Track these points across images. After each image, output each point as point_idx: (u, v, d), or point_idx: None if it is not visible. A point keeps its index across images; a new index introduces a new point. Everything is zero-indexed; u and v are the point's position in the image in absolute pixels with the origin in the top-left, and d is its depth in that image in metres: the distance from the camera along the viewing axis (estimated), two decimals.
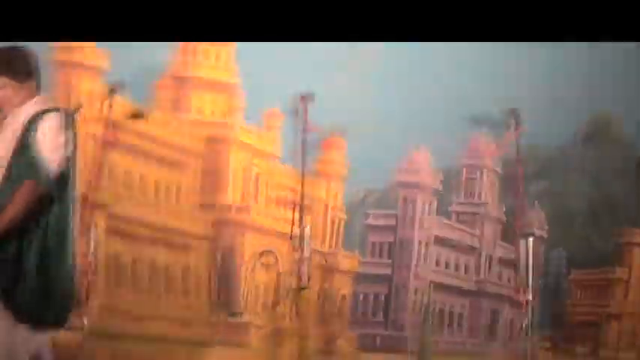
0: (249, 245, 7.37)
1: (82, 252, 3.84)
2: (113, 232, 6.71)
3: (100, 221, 6.44)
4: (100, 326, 6.47)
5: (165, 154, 7.19)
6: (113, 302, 6.88)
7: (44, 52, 6.69)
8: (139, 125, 6.99)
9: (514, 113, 4.31)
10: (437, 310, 7.88)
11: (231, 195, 7.42)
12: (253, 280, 7.37)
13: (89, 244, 3.91)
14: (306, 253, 4.47)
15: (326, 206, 7.58)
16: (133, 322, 6.88)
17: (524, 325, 4.21)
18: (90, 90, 6.79)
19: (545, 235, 7.92)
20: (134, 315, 6.90)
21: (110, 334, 6.58)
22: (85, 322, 4.03)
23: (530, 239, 4.25)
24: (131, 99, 7.02)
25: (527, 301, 4.02)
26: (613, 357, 7.52)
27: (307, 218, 5.03)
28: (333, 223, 7.54)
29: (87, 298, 3.94)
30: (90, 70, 6.84)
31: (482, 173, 7.83)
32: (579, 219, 7.69)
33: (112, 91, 4.22)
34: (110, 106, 4.34)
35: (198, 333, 7.08)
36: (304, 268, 4.64)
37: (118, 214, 6.78)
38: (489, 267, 8.13)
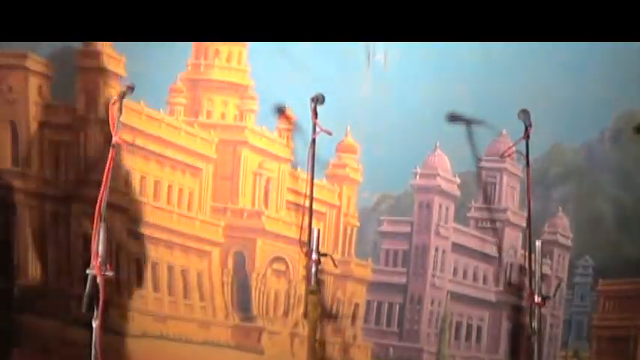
0: (260, 251, 7.60)
1: (94, 254, 4.20)
2: (134, 235, 7.19)
3: (121, 225, 6.92)
4: (124, 326, 6.85)
5: (179, 158, 7.51)
6: (136, 303, 7.27)
7: (68, 57, 7.12)
8: (153, 129, 7.34)
9: (523, 114, 4.62)
10: (454, 321, 7.84)
11: (242, 200, 7.71)
12: (265, 286, 7.58)
13: (98, 246, 4.28)
14: (315, 257, 4.80)
15: (338, 212, 7.70)
16: (155, 323, 7.29)
17: (533, 327, 4.52)
18: (109, 95, 7.25)
19: (570, 244, 8.02)
20: (156, 316, 7.32)
21: (134, 334, 7.04)
22: (94, 324, 4.39)
23: (538, 242, 4.58)
24: (146, 103, 7.47)
25: (537, 305, 4.36)
26: None
27: (317, 223, 5.40)
28: (345, 229, 7.67)
29: (97, 300, 4.29)
30: (108, 75, 7.15)
31: (502, 177, 7.81)
32: (608, 224, 7.78)
33: (123, 94, 4.60)
34: (120, 109, 4.72)
35: (215, 335, 7.43)
36: (312, 272, 4.96)
37: (138, 218, 7.25)
38: (510, 277, 8.24)
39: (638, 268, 7.70)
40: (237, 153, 7.72)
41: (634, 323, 7.61)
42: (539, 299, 4.28)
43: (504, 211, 7.98)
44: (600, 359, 7.74)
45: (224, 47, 7.61)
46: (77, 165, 7.46)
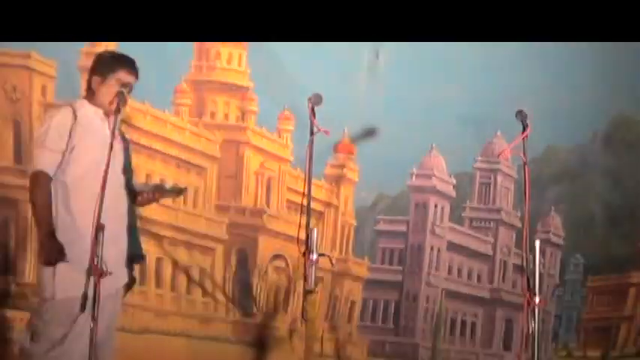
0: (261, 248, 7.55)
1: (92, 254, 4.01)
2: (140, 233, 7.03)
3: None
4: (128, 321, 6.66)
5: (184, 158, 7.42)
6: (140, 299, 7.13)
7: (74, 56, 6.92)
8: (158, 129, 7.22)
9: (521, 115, 4.42)
10: (449, 318, 7.78)
11: (245, 199, 7.61)
12: (266, 283, 7.51)
13: (96, 246, 4.06)
14: (313, 257, 4.60)
15: (336, 211, 7.64)
16: (158, 318, 7.17)
17: (531, 330, 4.33)
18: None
19: (562, 242, 7.98)
20: (159, 311, 7.20)
21: (137, 329, 6.89)
22: (91, 324, 4.16)
23: (537, 242, 4.37)
24: (152, 104, 7.29)
25: (536, 305, 4.14)
26: (619, 356, 7.56)
27: (315, 222, 5.21)
28: (343, 228, 7.61)
29: (94, 298, 4.08)
30: None
31: (496, 178, 7.82)
32: (598, 223, 7.74)
33: (119, 94, 4.39)
34: (118, 109, 4.50)
35: (216, 330, 7.31)
36: (311, 272, 4.78)
37: (143, 216, 7.05)
38: (503, 275, 8.21)
39: (624, 264, 7.67)
40: (240, 153, 7.62)
41: (617, 315, 7.62)
42: (539, 299, 4.06)
43: (498, 211, 7.96)
44: (587, 349, 7.73)
45: (224, 49, 7.51)
46: None
